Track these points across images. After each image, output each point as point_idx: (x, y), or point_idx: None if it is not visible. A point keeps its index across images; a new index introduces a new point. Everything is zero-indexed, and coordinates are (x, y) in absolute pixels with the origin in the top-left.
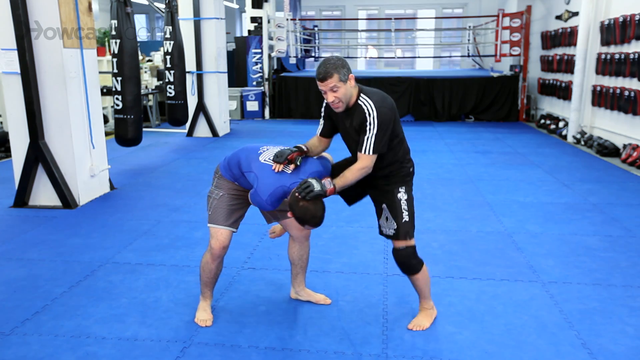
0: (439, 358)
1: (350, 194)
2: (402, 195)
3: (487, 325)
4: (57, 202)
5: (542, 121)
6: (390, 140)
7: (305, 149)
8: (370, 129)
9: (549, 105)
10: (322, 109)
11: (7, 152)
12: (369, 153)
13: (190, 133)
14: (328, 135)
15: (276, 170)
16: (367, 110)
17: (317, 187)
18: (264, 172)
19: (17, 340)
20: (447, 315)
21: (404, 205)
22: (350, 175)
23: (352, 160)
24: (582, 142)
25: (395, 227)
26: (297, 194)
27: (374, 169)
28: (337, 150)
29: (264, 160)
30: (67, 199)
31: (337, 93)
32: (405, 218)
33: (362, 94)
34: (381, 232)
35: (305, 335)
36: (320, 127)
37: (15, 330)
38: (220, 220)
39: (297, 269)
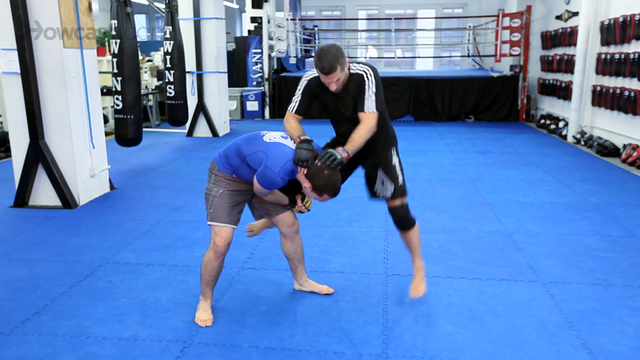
0: (439, 358)
1: (343, 170)
2: (395, 158)
3: (487, 325)
4: (57, 202)
5: (542, 121)
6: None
7: (306, 137)
8: (369, 88)
9: (549, 105)
10: (302, 87)
11: (7, 152)
12: (372, 111)
13: (190, 133)
14: (304, 113)
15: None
16: (363, 73)
17: (338, 155)
18: (271, 149)
19: (17, 340)
20: (447, 315)
21: (397, 167)
22: (358, 137)
23: (337, 140)
24: (582, 142)
25: (393, 188)
26: (320, 163)
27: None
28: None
29: (269, 140)
30: (67, 199)
31: (339, 81)
32: (400, 179)
33: (352, 64)
34: (375, 195)
35: (305, 335)
36: (296, 105)
37: (15, 330)
38: (222, 218)
39: (295, 262)
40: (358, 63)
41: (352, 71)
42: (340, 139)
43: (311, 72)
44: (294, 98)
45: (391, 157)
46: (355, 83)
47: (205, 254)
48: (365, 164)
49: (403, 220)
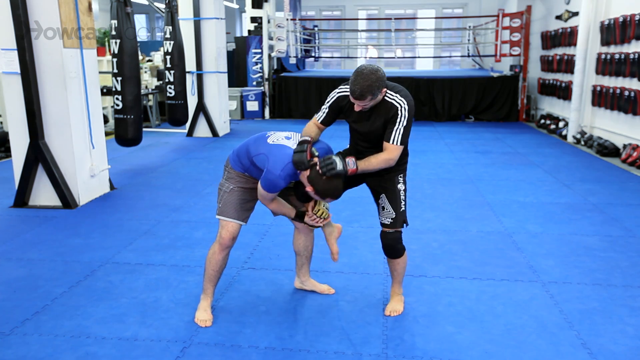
0: (439, 358)
1: (345, 182)
2: (401, 185)
3: (487, 325)
4: (57, 202)
5: (542, 121)
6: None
7: (310, 139)
8: (400, 122)
9: (549, 105)
10: (331, 101)
11: (7, 152)
12: (397, 144)
13: (190, 133)
14: (328, 124)
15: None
16: (399, 106)
17: (339, 165)
18: (272, 151)
19: (17, 340)
20: (447, 315)
21: (402, 196)
22: (376, 162)
23: (350, 151)
24: (582, 142)
25: (394, 216)
26: (318, 169)
27: None
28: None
29: (272, 142)
30: (67, 199)
31: (365, 107)
32: (402, 207)
33: (388, 91)
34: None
35: (305, 335)
36: (322, 115)
37: (15, 330)
38: (230, 213)
39: (303, 259)
40: (396, 92)
41: (387, 98)
42: (357, 149)
43: (344, 87)
44: (322, 107)
45: (397, 182)
46: (387, 110)
47: (210, 248)
48: (369, 182)
49: (392, 248)
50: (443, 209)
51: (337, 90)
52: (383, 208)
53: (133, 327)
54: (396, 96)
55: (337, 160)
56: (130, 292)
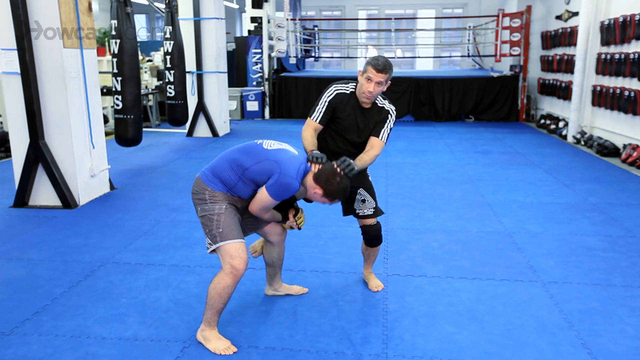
0: (439, 358)
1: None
2: (371, 179)
3: (487, 325)
4: (57, 202)
5: (542, 121)
6: None
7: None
8: (388, 124)
9: (549, 105)
10: (327, 99)
11: (7, 152)
12: (383, 140)
13: (190, 133)
14: (325, 123)
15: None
16: (390, 110)
17: (354, 165)
18: (280, 155)
19: (17, 340)
20: (447, 315)
21: (373, 188)
22: (368, 159)
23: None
24: (582, 142)
25: (374, 205)
26: (339, 169)
27: (359, 154)
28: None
29: (270, 147)
30: (67, 199)
31: (378, 89)
32: (376, 198)
33: (380, 97)
34: (351, 213)
35: (305, 335)
36: (320, 115)
37: (15, 330)
38: (235, 234)
39: (276, 269)
40: (385, 99)
41: (378, 103)
42: (332, 151)
43: (341, 85)
44: (317, 107)
45: (368, 176)
46: (380, 113)
47: (217, 281)
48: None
49: (377, 239)
50: (443, 209)
51: (334, 87)
52: (364, 201)
53: (133, 327)
54: (386, 102)
55: (352, 161)
56: (130, 292)
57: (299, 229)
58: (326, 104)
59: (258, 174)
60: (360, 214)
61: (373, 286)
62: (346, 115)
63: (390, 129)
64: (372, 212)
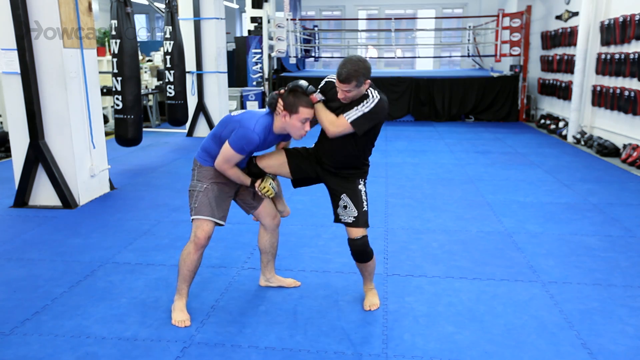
0: (439, 358)
1: (302, 177)
2: (362, 187)
3: (487, 325)
4: (57, 202)
5: (542, 121)
6: (373, 138)
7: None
8: (363, 105)
9: (549, 105)
10: (320, 87)
11: (7, 152)
12: (348, 120)
13: (190, 133)
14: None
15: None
16: (371, 95)
17: (305, 83)
18: (243, 115)
19: (17, 340)
20: (447, 315)
21: (363, 196)
22: (325, 118)
23: (315, 149)
24: (582, 142)
25: (356, 214)
26: (285, 89)
27: (351, 157)
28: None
29: (237, 113)
30: (67, 199)
31: (349, 94)
32: (365, 207)
33: (371, 88)
34: (338, 220)
35: (305, 335)
36: None
37: (15, 330)
38: (205, 212)
39: (269, 256)
40: (376, 90)
41: (366, 91)
42: (318, 148)
43: (333, 76)
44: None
45: (358, 184)
46: (361, 99)
47: (184, 248)
48: (330, 182)
49: (362, 254)
50: (443, 209)
51: (326, 78)
52: (345, 207)
53: (133, 327)
54: (375, 92)
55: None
56: (130, 292)
57: (265, 196)
58: (320, 91)
59: (227, 136)
60: (342, 220)
61: (366, 304)
62: (336, 105)
63: (365, 113)
64: (351, 221)
